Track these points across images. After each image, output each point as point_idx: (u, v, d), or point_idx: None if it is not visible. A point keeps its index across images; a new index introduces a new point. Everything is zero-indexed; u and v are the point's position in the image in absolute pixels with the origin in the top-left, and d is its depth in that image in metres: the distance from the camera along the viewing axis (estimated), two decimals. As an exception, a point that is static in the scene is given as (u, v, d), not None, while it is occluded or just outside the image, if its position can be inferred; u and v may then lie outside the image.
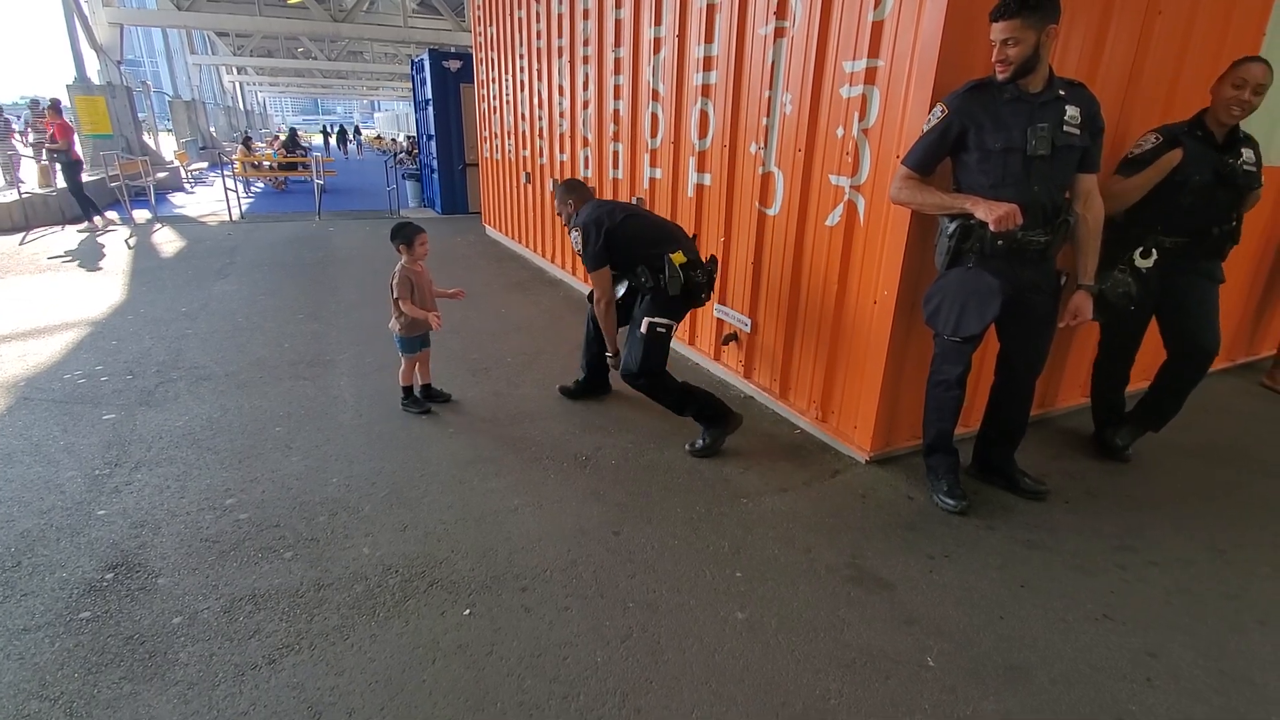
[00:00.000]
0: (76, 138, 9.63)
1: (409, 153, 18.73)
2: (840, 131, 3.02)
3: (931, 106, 2.50)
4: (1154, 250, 2.85)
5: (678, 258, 3.07)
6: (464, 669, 1.93)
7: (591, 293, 3.40)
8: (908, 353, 2.97)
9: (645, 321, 3.12)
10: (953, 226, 2.50)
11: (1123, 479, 3.10)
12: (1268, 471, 3.21)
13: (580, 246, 3.22)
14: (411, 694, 1.84)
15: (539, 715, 1.79)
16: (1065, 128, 2.38)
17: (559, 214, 3.51)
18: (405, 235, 3.41)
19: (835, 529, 2.66)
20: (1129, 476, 3.13)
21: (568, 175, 6.08)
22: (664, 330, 3.14)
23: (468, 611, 2.16)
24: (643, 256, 3.13)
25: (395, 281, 3.41)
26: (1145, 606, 2.26)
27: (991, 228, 2.32)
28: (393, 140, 29.19)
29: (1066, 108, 2.38)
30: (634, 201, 4.79)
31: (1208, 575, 2.43)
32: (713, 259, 3.29)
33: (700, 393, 3.26)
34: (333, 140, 31.82)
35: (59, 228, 9.12)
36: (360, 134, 39.20)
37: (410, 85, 12.27)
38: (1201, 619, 2.20)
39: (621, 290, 3.36)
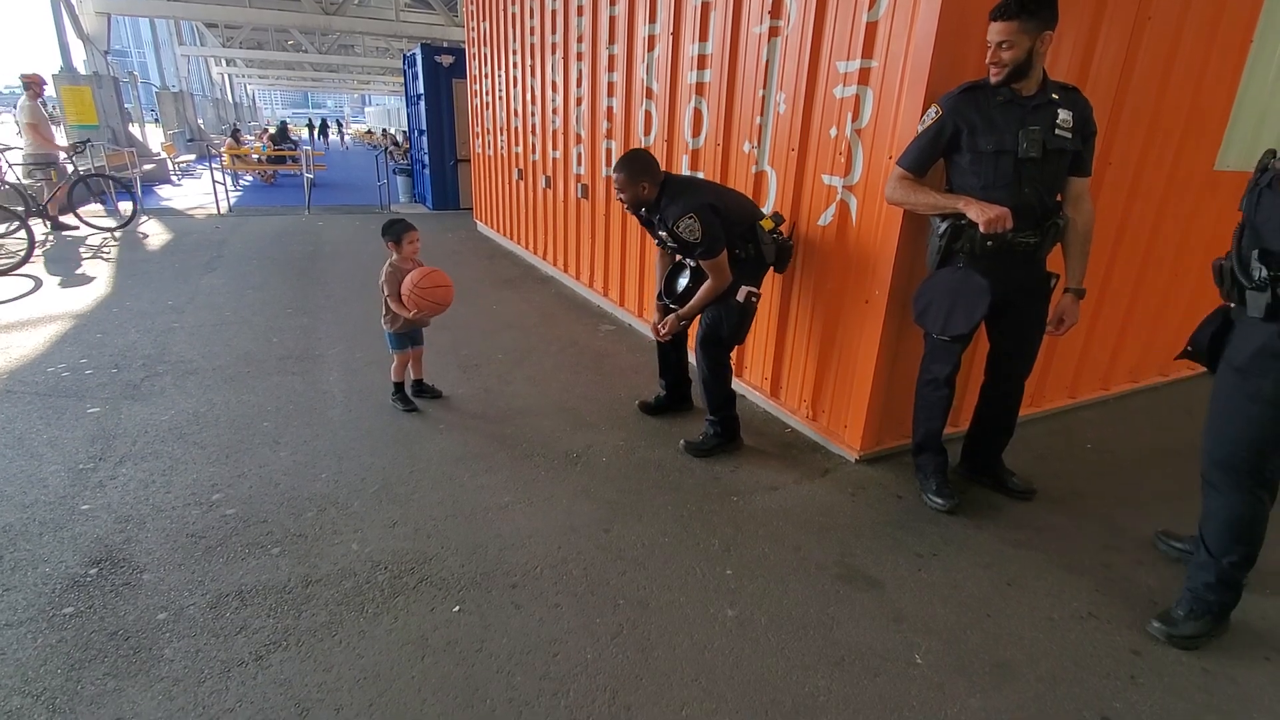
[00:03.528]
0: None
1: (396, 144, 18.61)
2: (834, 131, 3.03)
3: (925, 108, 2.52)
4: None
5: (766, 224, 3.02)
6: (453, 665, 1.93)
7: (662, 309, 3.33)
8: (898, 352, 2.99)
9: (743, 290, 3.01)
10: (943, 226, 2.51)
11: (1108, 479, 3.13)
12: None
13: (697, 236, 2.86)
14: (400, 690, 1.84)
15: (529, 712, 1.79)
16: (1057, 131, 2.39)
17: (619, 194, 3.03)
18: (395, 232, 3.40)
19: (825, 527, 2.67)
20: (1114, 477, 3.16)
21: (561, 171, 6.06)
22: (756, 300, 3.07)
23: (457, 608, 2.15)
24: (738, 233, 2.99)
25: (384, 279, 3.39)
26: (1130, 605, 2.28)
27: (981, 229, 2.34)
28: (383, 134, 29.14)
29: (1059, 111, 2.39)
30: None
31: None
32: (780, 216, 3.17)
33: (734, 403, 3.27)
34: (316, 132, 33.81)
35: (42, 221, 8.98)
36: (342, 126, 42.72)
37: (402, 80, 12.18)
38: (1185, 618, 2.23)
39: (685, 281, 3.19)
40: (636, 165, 2.98)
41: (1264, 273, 1.84)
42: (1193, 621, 2.12)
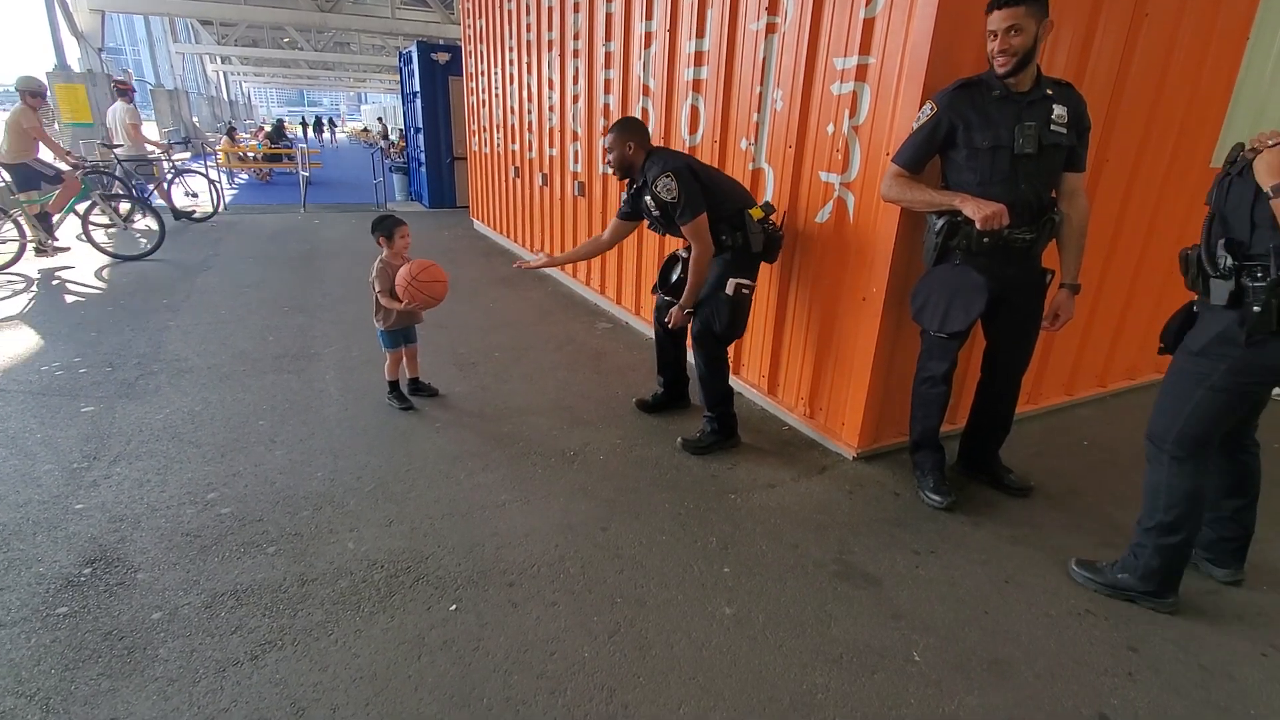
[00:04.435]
0: None
1: (385, 137, 18.53)
2: (831, 128, 3.02)
3: (921, 104, 2.51)
4: None
5: (755, 213, 2.98)
6: (450, 664, 1.92)
7: (660, 305, 3.32)
8: (896, 350, 2.99)
9: (731, 282, 2.96)
10: (940, 223, 2.51)
11: (1105, 476, 3.14)
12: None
13: (673, 194, 2.85)
14: (397, 690, 1.83)
15: (526, 711, 1.78)
16: (1052, 126, 2.39)
17: (608, 155, 3.09)
18: (386, 228, 3.39)
19: (822, 525, 2.67)
20: (1111, 473, 3.16)
21: (558, 169, 6.05)
22: (748, 291, 3.03)
23: (454, 607, 2.15)
24: (723, 215, 2.95)
25: (375, 275, 3.38)
26: (1128, 601, 2.27)
27: (978, 225, 2.34)
28: (378, 123, 28.95)
29: (1054, 107, 2.39)
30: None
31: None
32: (770, 205, 3.13)
33: (731, 400, 3.26)
34: (310, 130, 34.60)
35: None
36: (335, 124, 44.23)
37: (398, 77, 12.15)
38: (1181, 613, 2.23)
39: (679, 273, 3.19)
40: (626, 126, 3.09)
41: (1229, 261, 1.91)
42: (1110, 571, 2.31)
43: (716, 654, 1.99)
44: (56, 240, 6.65)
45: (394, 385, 3.62)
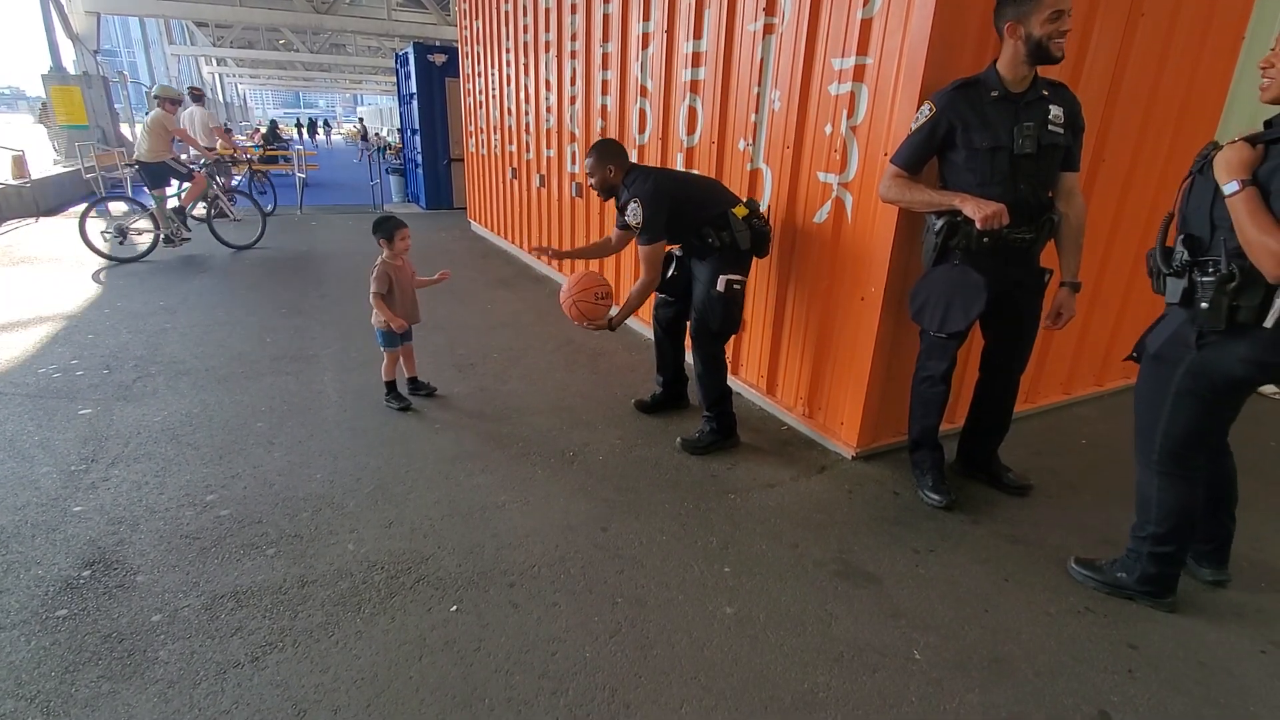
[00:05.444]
0: None
1: (365, 138, 18.55)
2: (829, 129, 3.03)
3: (919, 104, 2.52)
4: None
5: (740, 211, 3.01)
6: (451, 665, 1.92)
7: (658, 304, 3.38)
8: (894, 349, 2.99)
9: (721, 279, 2.99)
10: (939, 223, 2.52)
11: (1103, 474, 3.15)
12: (1246, 468, 3.24)
13: (638, 219, 2.97)
14: (398, 691, 1.83)
15: (527, 711, 1.78)
16: (1050, 127, 2.40)
17: (590, 178, 3.19)
18: (386, 229, 3.39)
19: (822, 524, 2.68)
20: (1110, 472, 3.17)
21: (556, 170, 6.05)
22: (739, 287, 3.06)
23: (455, 608, 2.14)
24: (706, 219, 3.00)
25: (374, 276, 3.38)
26: (1126, 599, 2.29)
27: (978, 225, 2.34)
28: (376, 134, 28.85)
29: (1050, 107, 2.41)
30: None
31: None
32: (755, 202, 3.16)
33: (730, 399, 3.27)
34: (304, 131, 35.06)
35: (33, 220, 8.92)
36: (330, 126, 45.46)
37: (394, 79, 12.14)
38: (1181, 611, 2.24)
39: (671, 270, 3.26)
40: (605, 150, 3.15)
41: (1184, 257, 1.87)
42: (1109, 570, 2.32)
43: (718, 653, 1.99)
44: (188, 232, 7.30)
45: (391, 386, 3.62)
